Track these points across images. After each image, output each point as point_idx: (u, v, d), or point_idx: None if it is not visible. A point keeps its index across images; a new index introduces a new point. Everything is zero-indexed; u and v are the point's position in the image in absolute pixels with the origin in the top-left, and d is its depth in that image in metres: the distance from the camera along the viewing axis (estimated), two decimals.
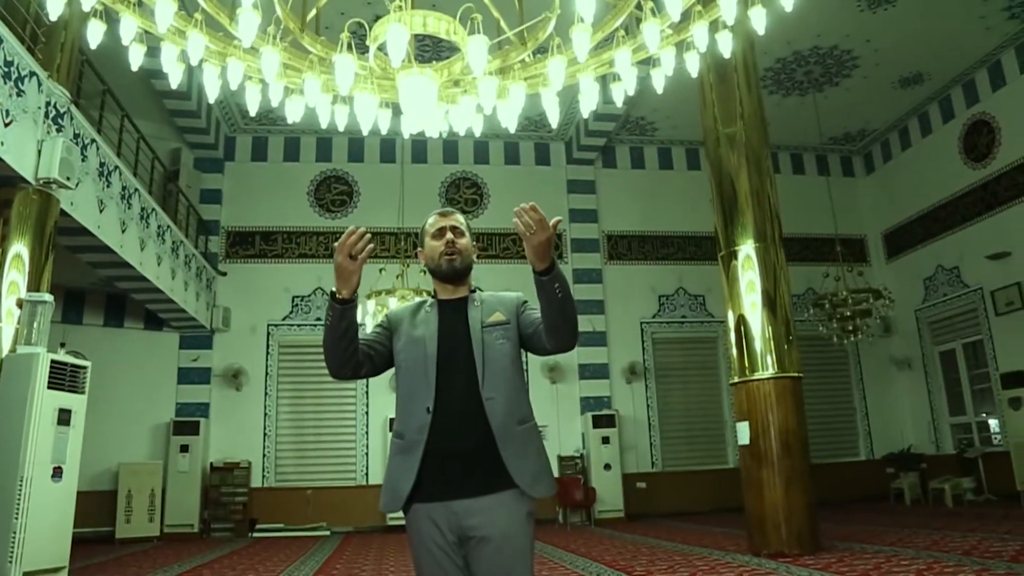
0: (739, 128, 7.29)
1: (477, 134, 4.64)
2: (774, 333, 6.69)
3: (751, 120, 7.33)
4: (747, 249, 6.95)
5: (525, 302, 2.19)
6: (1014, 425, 10.09)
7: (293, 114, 4.55)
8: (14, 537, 5.15)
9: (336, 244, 1.93)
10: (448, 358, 2.05)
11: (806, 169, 14.15)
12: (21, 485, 5.23)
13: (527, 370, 10.33)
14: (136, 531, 10.34)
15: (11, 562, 5.11)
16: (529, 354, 2.39)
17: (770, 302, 6.78)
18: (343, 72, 3.33)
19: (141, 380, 11.30)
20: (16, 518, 5.18)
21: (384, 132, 4.54)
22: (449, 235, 2.15)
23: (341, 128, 4.60)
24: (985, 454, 10.97)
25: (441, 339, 2.08)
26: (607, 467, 11.53)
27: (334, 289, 1.99)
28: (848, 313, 10.35)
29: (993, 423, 11.55)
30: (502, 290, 2.28)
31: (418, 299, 2.26)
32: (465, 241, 2.18)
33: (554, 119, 4.54)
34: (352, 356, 2.07)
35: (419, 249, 2.24)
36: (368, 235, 1.92)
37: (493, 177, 13.02)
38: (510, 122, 4.32)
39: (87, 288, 10.82)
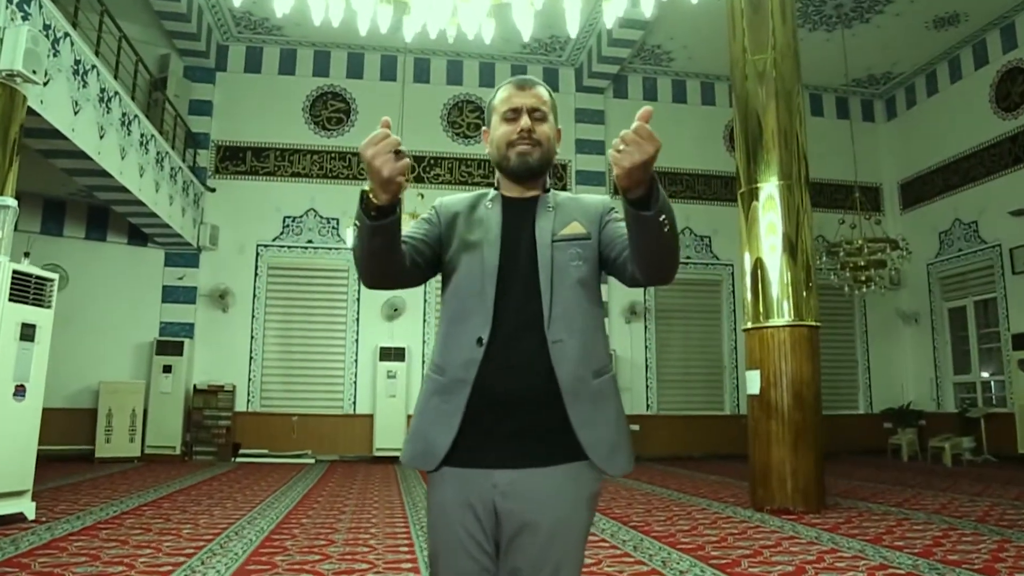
0: (770, 61, 6.73)
1: (487, 41, 4.09)
2: (793, 279, 6.27)
3: (783, 53, 6.75)
4: (770, 188, 6.47)
5: (612, 208, 1.64)
6: (1022, 387, 9.82)
7: (283, 6, 3.99)
8: None
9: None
10: (510, 276, 1.54)
11: (825, 111, 13.53)
12: None
13: None
14: (116, 451, 10.08)
15: None
16: None
17: (791, 246, 6.34)
18: None
19: (124, 297, 10.90)
20: None
21: (384, 31, 4.00)
22: (524, 120, 1.59)
23: (336, 24, 4.05)
24: (988, 415, 10.73)
25: (505, 248, 1.57)
26: None
27: (365, 190, 1.39)
28: (862, 263, 9.94)
29: (995, 383, 11.30)
30: None
31: (478, 191, 1.72)
32: (547, 128, 1.61)
33: (573, 26, 4.00)
34: (389, 273, 1.54)
35: (484, 129, 1.70)
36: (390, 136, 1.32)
37: None
38: (525, 26, 3.78)
39: (67, 198, 10.31)
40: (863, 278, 10.04)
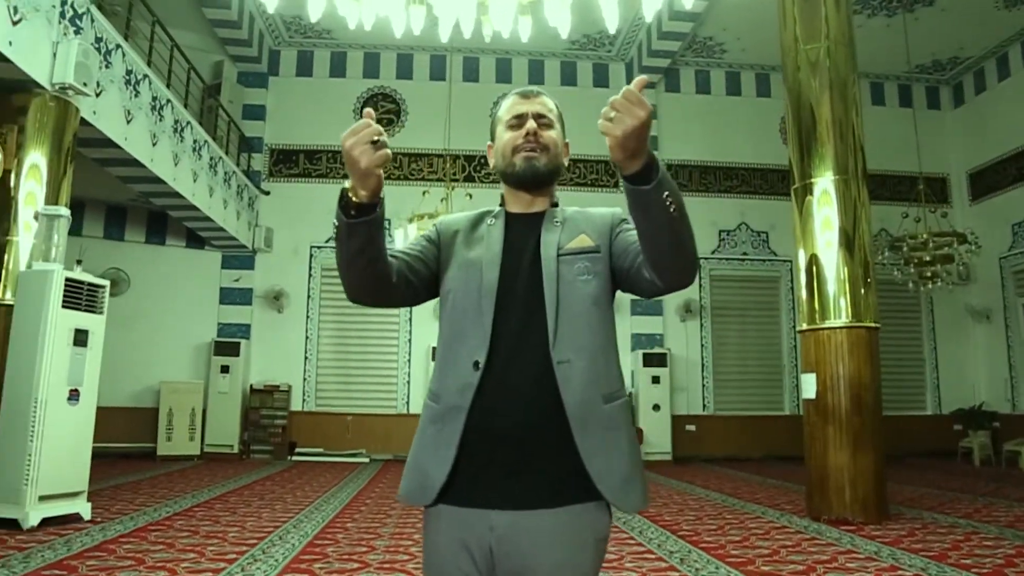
0: (823, 50, 6.45)
1: (524, 39, 4.00)
2: (850, 275, 6.00)
3: (837, 41, 6.47)
4: (825, 183, 6.21)
5: (623, 220, 1.53)
6: None
7: (316, 12, 3.98)
8: (29, 460, 4.93)
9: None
10: (511, 294, 1.45)
11: (887, 100, 13.01)
12: (36, 408, 4.99)
13: None
14: (177, 449, 10.35)
15: (27, 485, 4.91)
16: None
17: (848, 241, 6.07)
18: None
19: (183, 299, 11.18)
20: (31, 441, 4.96)
21: (417, 32, 3.95)
22: (531, 124, 1.51)
23: (368, 27, 4.01)
24: None
25: (505, 266, 1.48)
26: (656, 408, 11.09)
27: (346, 187, 1.31)
28: (928, 258, 9.49)
29: None
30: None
31: (480, 209, 1.64)
32: (554, 135, 1.54)
33: (612, 22, 3.87)
34: (370, 285, 1.43)
35: (488, 144, 1.62)
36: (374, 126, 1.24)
37: None
38: (562, 23, 3.67)
39: (128, 204, 10.60)
40: (929, 274, 9.58)
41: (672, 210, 1.25)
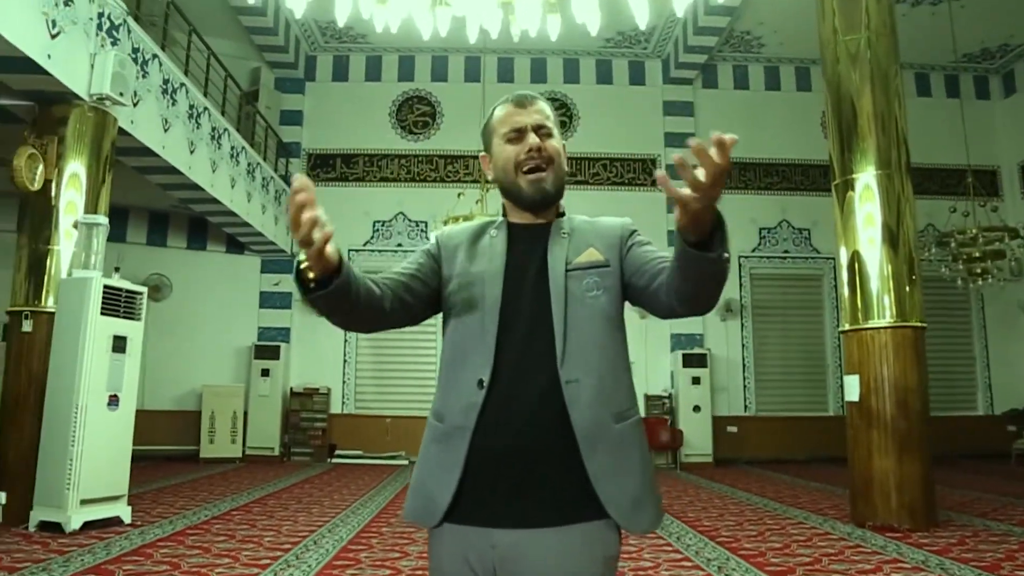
0: (863, 41, 6.27)
1: (553, 38, 3.94)
2: (894, 272, 5.81)
3: (878, 31, 6.27)
4: (867, 178, 6.03)
5: (634, 232, 1.48)
6: None
7: (343, 16, 3.97)
8: (70, 465, 5.03)
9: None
10: (515, 309, 1.39)
11: (933, 91, 12.63)
12: (76, 413, 5.08)
13: None
14: (219, 451, 10.50)
15: (68, 489, 5.00)
16: None
17: (891, 237, 5.88)
18: None
19: (224, 303, 11.34)
20: (72, 446, 5.05)
21: (444, 35, 3.91)
22: (532, 138, 1.43)
23: (394, 31, 4.00)
24: None
25: (509, 280, 1.41)
26: (696, 409, 10.91)
27: (300, 260, 1.22)
28: (977, 254, 9.18)
29: None
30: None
31: (481, 219, 1.57)
32: (555, 143, 1.45)
33: (642, 18, 3.79)
34: (358, 322, 1.39)
35: (482, 154, 1.53)
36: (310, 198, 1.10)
37: (583, 97, 12.16)
38: (591, 20, 3.61)
39: (169, 210, 10.78)
40: (978, 270, 9.27)
41: (725, 266, 1.21)
